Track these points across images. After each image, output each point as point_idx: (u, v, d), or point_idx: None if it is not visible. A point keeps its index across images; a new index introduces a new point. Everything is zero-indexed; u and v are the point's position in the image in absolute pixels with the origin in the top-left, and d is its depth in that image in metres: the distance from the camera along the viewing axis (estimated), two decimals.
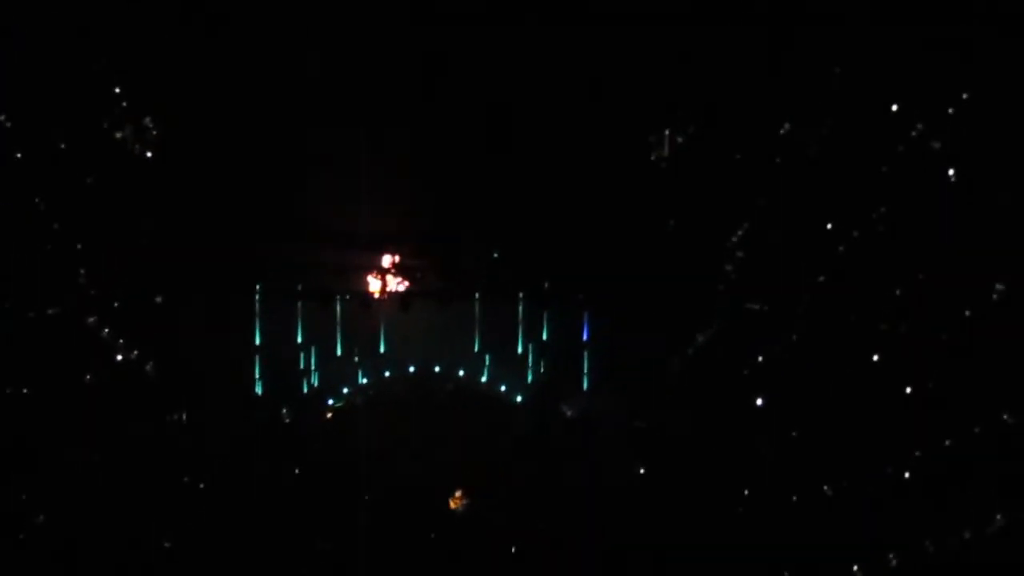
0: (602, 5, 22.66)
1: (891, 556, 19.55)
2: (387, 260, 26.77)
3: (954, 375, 19.39)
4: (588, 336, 27.50)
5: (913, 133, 20.08)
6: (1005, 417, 18.44)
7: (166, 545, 21.72)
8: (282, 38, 23.15)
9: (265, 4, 22.74)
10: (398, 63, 24.05)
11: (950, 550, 18.85)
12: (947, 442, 19.20)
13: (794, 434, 22.12)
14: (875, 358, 21.01)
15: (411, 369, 28.77)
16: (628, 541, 22.38)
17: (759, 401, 23.30)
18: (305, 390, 27.94)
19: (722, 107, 23.51)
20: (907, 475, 19.82)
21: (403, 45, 23.78)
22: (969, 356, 19.19)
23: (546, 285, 27.03)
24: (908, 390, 20.11)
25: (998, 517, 18.10)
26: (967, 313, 19.31)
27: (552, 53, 23.35)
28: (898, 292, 20.58)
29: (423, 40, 23.74)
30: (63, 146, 22.53)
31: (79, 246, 23.14)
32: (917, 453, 19.68)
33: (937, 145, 19.80)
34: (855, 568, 20.08)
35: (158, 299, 24.74)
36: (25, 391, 21.32)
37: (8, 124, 21.13)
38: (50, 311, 22.58)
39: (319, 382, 28.18)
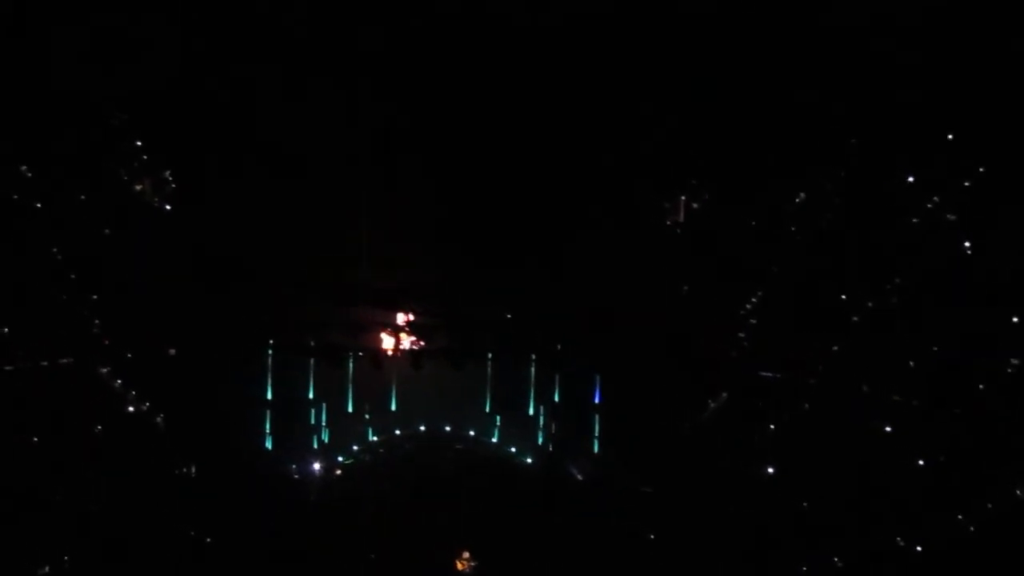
0: (619, 73, 22.83)
1: None
2: (400, 318, 26.85)
3: (967, 449, 19.23)
4: (599, 399, 27.47)
5: (929, 205, 20.09)
6: (1018, 492, 18.26)
7: None
8: (299, 98, 23.36)
9: (284, 64, 22.96)
10: (414, 126, 24.27)
11: None
12: (959, 516, 18.97)
13: (804, 504, 21.94)
14: (888, 429, 20.87)
15: (421, 428, 28.76)
16: None
17: (770, 470, 23.16)
18: (315, 446, 27.93)
19: (737, 175, 23.59)
20: (919, 548, 19.58)
21: (420, 108, 23.99)
22: (982, 430, 19.03)
23: (558, 347, 27.06)
24: (920, 462, 19.93)
25: None
26: (981, 387, 19.17)
27: (568, 118, 23.51)
28: (912, 364, 20.48)
29: (439, 104, 23.94)
30: (83, 197, 22.68)
31: (94, 296, 23.24)
32: (929, 526, 19.46)
33: (953, 217, 19.80)
34: None
35: (171, 351, 24.81)
36: (36, 439, 21.28)
37: (29, 174, 21.27)
38: (63, 360, 22.63)
39: (329, 438, 28.17)
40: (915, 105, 19.71)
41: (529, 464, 28.23)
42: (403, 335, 26.90)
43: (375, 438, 28.67)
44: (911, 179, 20.49)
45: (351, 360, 27.49)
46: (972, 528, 18.68)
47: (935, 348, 20.08)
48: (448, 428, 28.76)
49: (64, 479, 21.47)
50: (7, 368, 21.08)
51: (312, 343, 26.88)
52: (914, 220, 20.38)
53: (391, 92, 23.82)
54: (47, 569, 20.22)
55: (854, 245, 21.69)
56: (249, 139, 23.72)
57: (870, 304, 21.42)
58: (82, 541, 21.01)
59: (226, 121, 23.24)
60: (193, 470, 24.80)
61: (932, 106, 19.47)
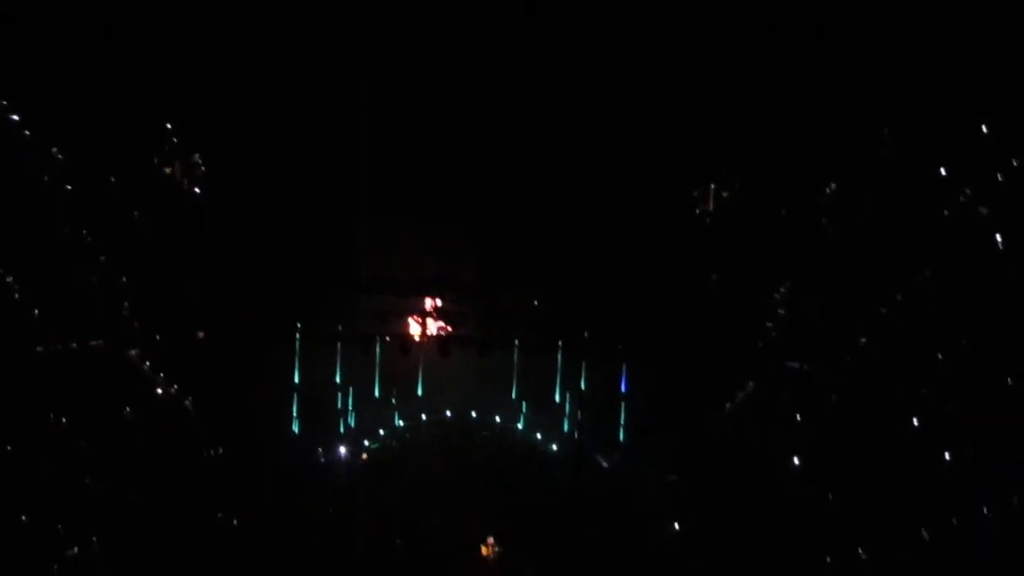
0: (651, 61, 22.80)
1: None
2: (428, 304, 26.91)
3: (995, 443, 19.07)
4: (626, 388, 27.41)
5: (961, 198, 19.93)
6: None
7: None
8: (332, 90, 23.45)
9: (317, 58, 23.09)
10: (445, 116, 24.34)
11: None
12: (985, 509, 18.84)
13: (830, 495, 21.84)
14: (915, 422, 20.73)
15: (448, 414, 28.81)
16: None
17: (795, 460, 23.06)
18: (342, 430, 28.00)
19: (768, 164, 23.50)
20: (943, 542, 19.46)
21: (450, 102, 24.07)
22: (1013, 425, 18.87)
23: (586, 335, 27.03)
24: (947, 456, 19.78)
25: None
26: (1009, 381, 19.00)
27: (599, 107, 23.50)
28: (940, 356, 20.33)
29: (469, 94, 24.01)
30: (113, 179, 22.80)
31: (124, 279, 23.35)
32: (954, 520, 19.33)
33: (985, 211, 19.63)
34: None
35: (200, 335, 24.93)
36: (64, 420, 21.41)
37: (60, 156, 21.40)
38: (93, 343, 22.76)
39: (356, 423, 28.24)
40: (948, 97, 19.56)
41: (555, 451, 28.21)
42: (430, 321, 26.96)
43: (402, 423, 28.72)
44: (943, 171, 20.34)
45: (378, 346, 27.50)
46: (1000, 523, 18.56)
47: (964, 341, 19.93)
48: (474, 415, 28.77)
49: (93, 460, 21.58)
50: (38, 350, 21.21)
51: (340, 328, 26.94)
52: (946, 212, 20.23)
53: (423, 85, 23.93)
54: (76, 549, 20.38)
55: (885, 236, 21.55)
56: (280, 126, 23.85)
57: (899, 296, 21.28)
58: (111, 521, 21.15)
59: (257, 108, 23.38)
60: (221, 453, 24.90)
61: (966, 98, 19.31)
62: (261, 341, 25.70)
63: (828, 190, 22.79)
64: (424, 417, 28.77)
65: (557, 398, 28.23)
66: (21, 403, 20.35)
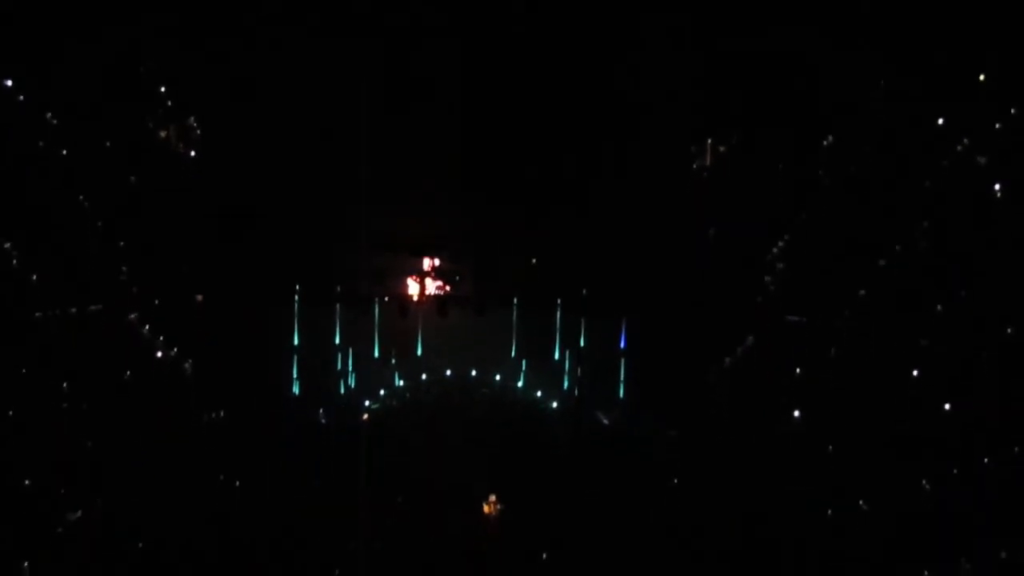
0: (647, 17, 22.73)
1: (926, 573, 19.28)
2: (426, 264, 26.91)
3: (994, 393, 19.08)
4: (625, 344, 27.43)
5: (959, 148, 19.86)
6: None
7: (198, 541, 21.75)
8: (328, 47, 23.37)
9: (314, 18, 23.05)
10: (443, 80, 24.27)
11: (985, 569, 18.55)
12: (986, 460, 18.88)
13: (830, 448, 21.89)
14: (915, 374, 20.74)
15: (447, 373, 28.83)
16: (659, 548, 22.29)
17: (796, 414, 23.09)
18: (342, 391, 28.05)
19: (765, 117, 23.42)
20: (944, 492, 19.51)
21: (449, 63, 24.02)
22: (1011, 374, 18.88)
23: (584, 293, 27.01)
24: (947, 407, 19.80)
25: None
26: (1009, 331, 19.01)
27: (596, 62, 23.41)
28: (939, 308, 20.33)
29: (465, 52, 23.96)
30: (108, 144, 22.74)
31: (121, 243, 23.32)
32: (955, 471, 19.38)
33: (983, 160, 19.58)
34: None
35: (198, 298, 24.93)
36: (64, 385, 21.41)
37: (54, 122, 21.32)
38: (92, 308, 22.73)
39: (356, 384, 28.27)
40: (943, 46, 19.48)
41: (555, 409, 28.26)
42: (429, 280, 26.97)
43: (401, 383, 28.75)
44: (941, 121, 20.28)
45: (377, 306, 27.51)
46: (999, 472, 18.62)
47: (963, 293, 19.92)
48: (474, 373, 28.80)
49: (92, 425, 21.60)
50: (37, 315, 21.18)
51: (339, 289, 26.94)
52: (944, 163, 20.18)
53: (419, 42, 23.85)
54: (78, 513, 20.45)
55: (882, 188, 21.51)
56: (274, 86, 23.79)
57: (897, 247, 21.26)
58: (111, 485, 21.21)
59: (250, 68, 23.32)
60: (221, 415, 24.94)
61: (961, 47, 19.23)
62: (260, 303, 25.65)
63: (826, 143, 22.72)
64: (424, 376, 28.80)
65: (556, 356, 28.27)
66: (21, 369, 20.35)
